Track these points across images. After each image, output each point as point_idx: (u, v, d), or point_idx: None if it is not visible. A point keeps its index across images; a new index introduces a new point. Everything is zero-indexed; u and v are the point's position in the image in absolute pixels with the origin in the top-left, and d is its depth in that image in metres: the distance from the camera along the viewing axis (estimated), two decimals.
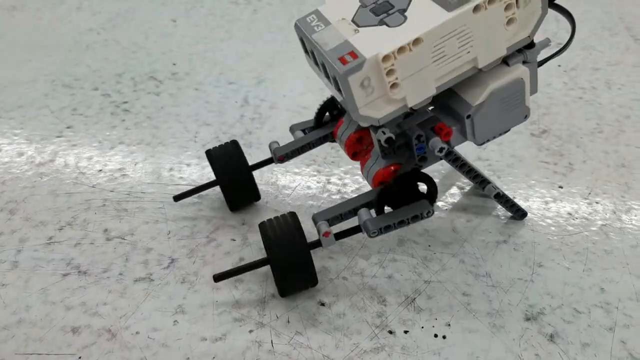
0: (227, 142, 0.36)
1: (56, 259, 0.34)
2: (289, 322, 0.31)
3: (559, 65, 0.55)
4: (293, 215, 0.31)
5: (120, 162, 0.42)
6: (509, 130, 0.31)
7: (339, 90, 0.27)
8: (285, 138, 0.44)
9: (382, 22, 0.27)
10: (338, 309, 0.32)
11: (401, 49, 0.25)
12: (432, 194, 0.31)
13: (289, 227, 0.30)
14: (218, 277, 0.30)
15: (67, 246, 0.35)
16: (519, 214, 0.37)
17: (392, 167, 0.30)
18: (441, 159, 0.30)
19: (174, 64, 0.55)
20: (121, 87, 0.51)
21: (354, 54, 0.26)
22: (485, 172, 0.41)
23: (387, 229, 0.30)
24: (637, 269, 0.34)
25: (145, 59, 0.55)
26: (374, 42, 0.26)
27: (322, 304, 0.32)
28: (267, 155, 0.43)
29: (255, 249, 0.35)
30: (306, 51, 0.29)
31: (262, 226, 0.31)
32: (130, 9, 0.66)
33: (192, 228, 0.36)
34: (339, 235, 0.30)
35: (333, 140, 0.36)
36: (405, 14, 0.27)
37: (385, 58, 0.25)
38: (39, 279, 0.33)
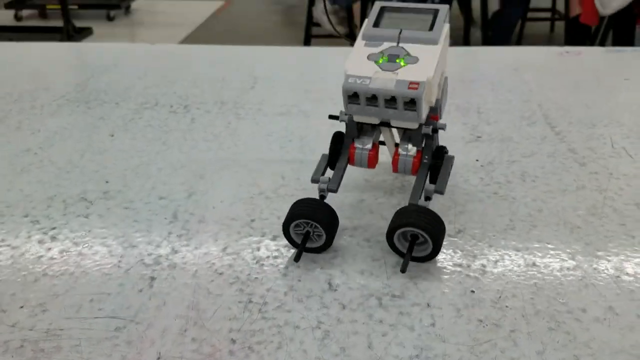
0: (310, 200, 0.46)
1: None
2: None
3: (477, 160, 0.58)
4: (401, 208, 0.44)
5: (42, 296, 0.42)
6: None
7: (406, 109, 0.40)
8: (213, 255, 0.45)
9: (406, 64, 0.41)
10: None
11: (434, 69, 0.41)
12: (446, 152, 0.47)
13: (412, 211, 0.42)
14: (403, 270, 0.42)
15: None
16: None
17: (419, 153, 0.45)
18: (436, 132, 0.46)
19: (107, 182, 0.56)
20: (51, 211, 0.52)
21: (414, 82, 0.39)
22: (403, 280, 0.42)
23: (446, 183, 0.45)
24: None
25: (78, 178, 0.57)
26: (416, 73, 0.40)
27: None
28: (192, 277, 0.43)
29: None
30: (352, 102, 0.42)
31: (398, 227, 0.42)
32: (69, 126, 0.68)
33: None
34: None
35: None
36: (413, 55, 0.41)
37: (432, 77, 0.40)
38: None
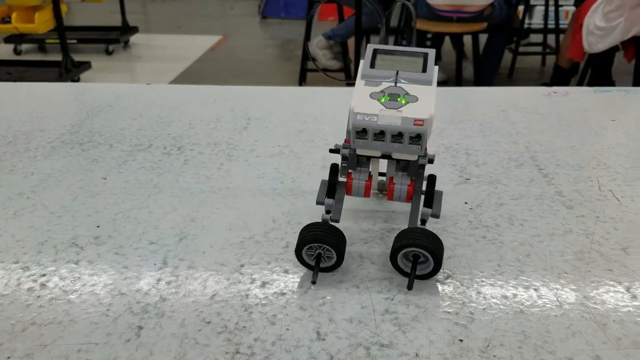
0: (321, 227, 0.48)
1: None
2: None
3: (466, 203, 0.59)
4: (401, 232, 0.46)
5: (29, 346, 0.42)
6: None
7: (411, 143, 0.44)
8: (201, 303, 0.45)
9: (406, 102, 0.44)
10: None
11: (434, 108, 0.44)
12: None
13: (411, 232, 0.45)
14: (409, 287, 0.46)
15: None
16: None
17: (412, 182, 0.49)
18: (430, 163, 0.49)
19: (98, 227, 0.56)
20: (42, 257, 0.52)
21: (419, 119, 0.43)
22: (392, 329, 0.43)
23: (440, 209, 0.49)
24: None
25: (69, 223, 0.57)
26: (418, 110, 0.44)
27: None
28: (179, 326, 0.43)
29: None
30: (359, 138, 0.45)
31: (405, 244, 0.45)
32: (63, 169, 0.68)
33: None
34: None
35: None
36: (412, 94, 0.45)
37: (433, 114, 0.43)
38: None
